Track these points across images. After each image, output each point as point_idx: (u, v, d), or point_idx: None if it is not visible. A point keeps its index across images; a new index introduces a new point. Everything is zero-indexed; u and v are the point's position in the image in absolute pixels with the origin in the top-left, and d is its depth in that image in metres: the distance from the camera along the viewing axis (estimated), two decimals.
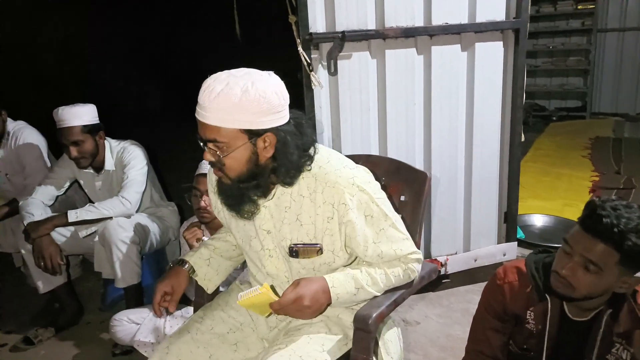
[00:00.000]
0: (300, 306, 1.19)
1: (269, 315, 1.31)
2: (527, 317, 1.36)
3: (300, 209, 1.27)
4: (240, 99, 1.13)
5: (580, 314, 1.31)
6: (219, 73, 1.19)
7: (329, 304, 1.25)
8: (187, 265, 1.47)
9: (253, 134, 1.17)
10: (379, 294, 1.32)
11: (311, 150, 1.26)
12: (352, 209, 1.23)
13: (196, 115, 1.19)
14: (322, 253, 1.28)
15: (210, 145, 1.18)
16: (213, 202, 1.45)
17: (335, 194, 1.23)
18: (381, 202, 1.28)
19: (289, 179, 1.24)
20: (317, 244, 1.27)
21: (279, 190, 1.28)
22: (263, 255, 1.35)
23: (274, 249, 1.33)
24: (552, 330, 1.32)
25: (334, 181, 1.23)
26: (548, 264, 1.32)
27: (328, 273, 1.28)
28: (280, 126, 1.19)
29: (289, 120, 1.22)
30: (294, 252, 1.29)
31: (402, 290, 1.36)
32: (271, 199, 1.29)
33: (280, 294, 1.25)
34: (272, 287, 1.24)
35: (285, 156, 1.21)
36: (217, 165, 1.22)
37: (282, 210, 1.29)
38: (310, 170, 1.26)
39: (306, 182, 1.26)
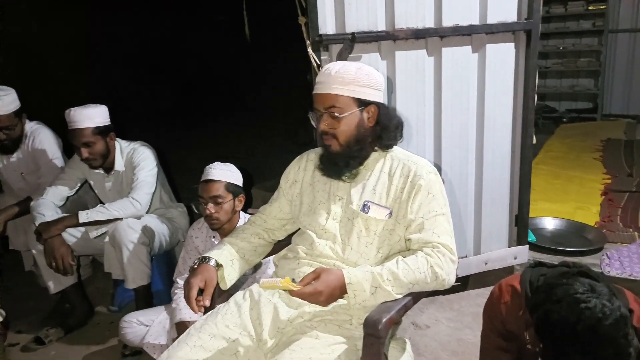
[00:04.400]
0: (316, 300, 1.28)
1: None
2: (527, 338, 1.33)
3: (377, 181, 1.48)
4: (355, 73, 1.42)
5: None
6: (331, 63, 1.48)
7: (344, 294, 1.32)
8: (212, 262, 1.48)
9: (362, 104, 1.43)
10: (399, 296, 1.32)
11: (398, 129, 1.52)
12: (423, 179, 1.43)
13: (315, 91, 1.47)
14: (390, 217, 1.43)
15: (329, 111, 1.42)
16: (291, 176, 1.63)
17: (413, 168, 1.45)
18: (444, 195, 1.47)
19: (388, 142, 1.49)
20: (387, 207, 1.43)
21: (363, 166, 1.50)
22: (327, 219, 1.48)
23: (340, 212, 1.48)
24: None
25: (415, 161, 1.49)
26: (545, 284, 1.24)
27: (386, 241, 1.43)
28: (379, 102, 1.47)
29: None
30: (366, 207, 1.44)
31: (410, 297, 1.35)
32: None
33: (331, 253, 1.44)
34: (292, 280, 1.32)
35: (385, 124, 1.47)
36: (330, 133, 1.44)
37: (360, 181, 1.49)
38: (393, 152, 1.51)
39: (389, 162, 1.50)
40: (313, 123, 1.51)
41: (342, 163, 1.47)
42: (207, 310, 1.52)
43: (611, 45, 6.67)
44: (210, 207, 1.99)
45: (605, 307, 1.07)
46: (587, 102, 7.06)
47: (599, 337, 1.06)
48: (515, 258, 2.60)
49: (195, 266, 1.48)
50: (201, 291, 1.42)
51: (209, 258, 1.49)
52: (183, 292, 1.44)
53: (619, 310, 1.08)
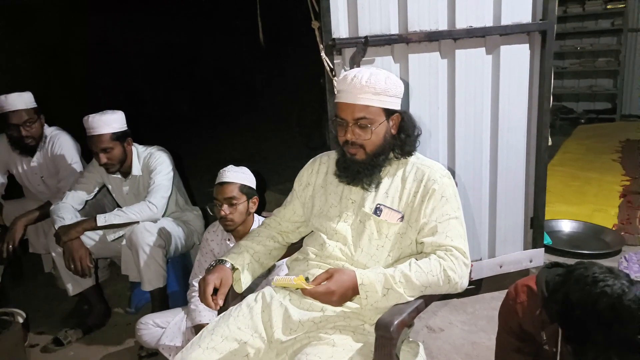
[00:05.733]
0: (329, 299, 1.30)
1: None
2: (543, 338, 1.32)
3: (390, 185, 1.47)
4: (385, 83, 1.40)
5: None
6: (354, 69, 1.46)
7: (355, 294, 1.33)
8: (228, 264, 1.51)
9: (389, 113, 1.44)
10: (411, 298, 1.32)
11: (419, 136, 1.52)
12: (437, 183, 1.43)
13: (340, 100, 1.43)
14: (402, 221, 1.43)
15: (359, 122, 1.40)
16: (304, 179, 1.63)
17: (427, 172, 1.45)
18: (458, 199, 1.46)
19: (408, 149, 1.49)
20: (399, 211, 1.43)
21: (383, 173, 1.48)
22: (338, 221, 1.48)
23: (352, 215, 1.48)
24: (565, 352, 1.27)
25: (428, 165, 1.48)
26: (560, 283, 1.24)
27: (397, 245, 1.43)
28: (403, 111, 1.48)
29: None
30: (379, 210, 1.44)
31: (422, 299, 1.35)
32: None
33: (341, 254, 1.44)
34: (306, 278, 1.33)
35: (407, 131, 1.48)
36: (357, 143, 1.43)
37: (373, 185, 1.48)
38: (408, 158, 1.50)
39: (403, 167, 1.49)
40: (333, 130, 1.50)
41: (366, 172, 1.46)
42: (220, 311, 1.54)
43: (631, 45, 6.55)
44: (225, 209, 2.03)
45: (624, 285, 1.06)
46: (606, 102, 6.95)
47: (620, 314, 1.04)
48: (530, 261, 2.57)
49: (212, 267, 1.51)
50: (216, 291, 1.44)
51: (225, 261, 1.52)
52: (198, 290, 1.46)
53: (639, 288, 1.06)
